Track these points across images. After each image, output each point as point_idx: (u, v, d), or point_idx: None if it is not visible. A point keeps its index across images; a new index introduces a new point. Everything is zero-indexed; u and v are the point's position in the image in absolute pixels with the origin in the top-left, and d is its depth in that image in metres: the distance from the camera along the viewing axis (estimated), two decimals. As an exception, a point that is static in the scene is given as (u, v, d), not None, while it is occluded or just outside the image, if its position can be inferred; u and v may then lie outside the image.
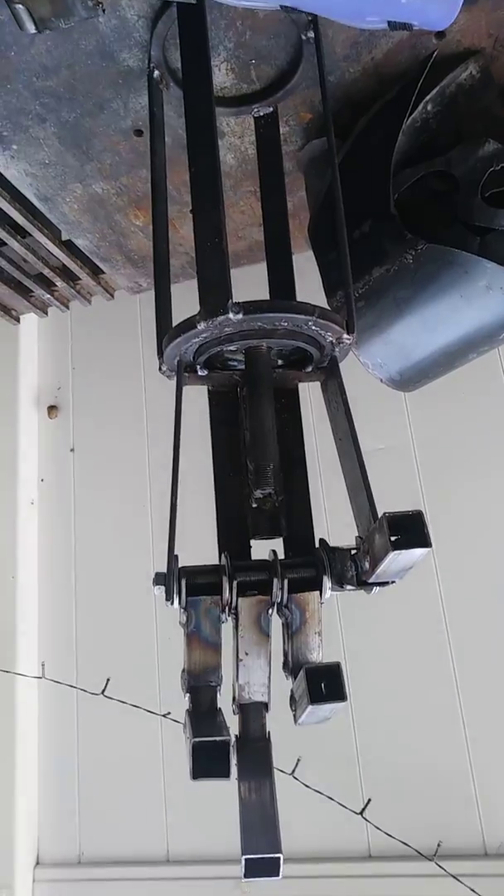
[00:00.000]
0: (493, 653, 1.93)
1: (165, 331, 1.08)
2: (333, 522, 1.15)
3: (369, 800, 1.87)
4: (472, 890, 1.78)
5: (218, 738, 0.81)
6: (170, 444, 2.50)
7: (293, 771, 1.94)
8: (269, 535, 1.04)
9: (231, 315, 0.90)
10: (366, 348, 1.31)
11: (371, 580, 0.85)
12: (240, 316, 0.91)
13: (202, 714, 0.92)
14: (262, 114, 1.33)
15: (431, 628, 2.00)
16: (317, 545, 1.03)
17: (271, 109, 1.32)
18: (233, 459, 1.07)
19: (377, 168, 1.26)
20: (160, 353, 1.06)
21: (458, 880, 1.79)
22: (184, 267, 1.93)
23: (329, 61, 1.25)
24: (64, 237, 1.86)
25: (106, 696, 2.11)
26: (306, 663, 0.97)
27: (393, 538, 0.77)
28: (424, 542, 0.77)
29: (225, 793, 2.28)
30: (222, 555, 0.97)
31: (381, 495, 0.98)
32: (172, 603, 0.92)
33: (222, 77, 1.29)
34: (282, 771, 1.97)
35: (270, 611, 0.95)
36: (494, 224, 1.21)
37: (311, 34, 1.17)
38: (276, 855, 0.82)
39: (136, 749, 2.23)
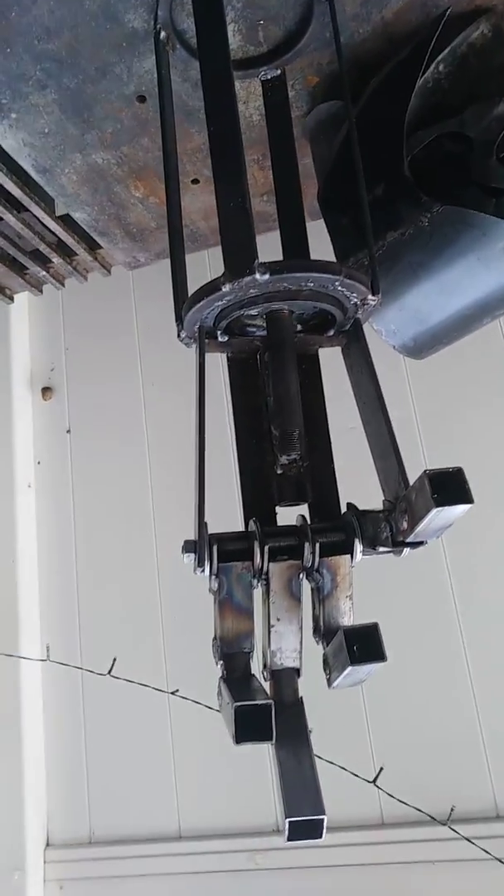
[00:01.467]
0: (501, 616, 1.96)
1: (182, 298, 1.07)
2: (346, 488, 1.14)
3: (381, 768, 1.89)
4: (486, 851, 1.81)
5: (261, 702, 0.80)
6: (171, 418, 2.50)
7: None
8: (295, 500, 1.03)
9: (258, 275, 0.89)
10: (379, 315, 1.30)
11: (409, 539, 0.84)
12: (266, 276, 0.89)
13: (238, 679, 0.92)
14: (269, 77, 1.30)
15: (438, 597, 2.01)
16: (343, 510, 1.03)
17: (279, 72, 1.30)
18: (255, 426, 1.06)
19: (390, 130, 1.24)
20: (178, 319, 1.04)
21: (471, 843, 1.82)
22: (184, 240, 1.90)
23: (339, 21, 1.23)
24: (60, 211, 1.82)
25: (113, 676, 2.10)
26: (337, 627, 0.96)
27: (435, 495, 0.76)
28: (466, 497, 0.76)
29: (235, 767, 2.29)
30: (251, 521, 0.96)
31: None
32: (203, 570, 0.91)
33: (230, 39, 1.25)
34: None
35: (301, 576, 0.95)
36: (510, 185, 1.20)
37: (324, -9, 1.14)
38: (321, 816, 0.82)
39: (144, 727, 2.23)
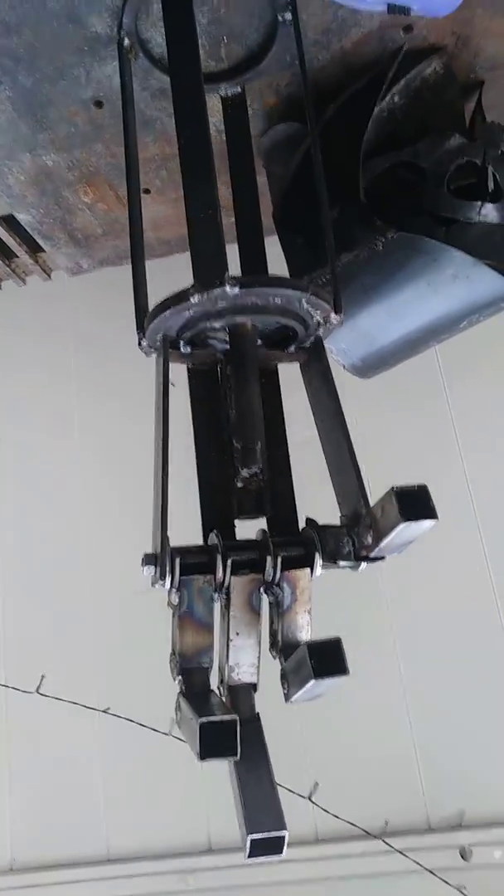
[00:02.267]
0: (434, 634, 2.01)
1: (143, 307, 1.05)
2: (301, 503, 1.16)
3: (316, 783, 1.90)
4: (418, 863, 1.85)
5: (225, 718, 0.79)
6: (103, 426, 2.44)
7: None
8: (255, 514, 1.03)
9: (227, 288, 0.89)
10: (332, 334, 1.33)
11: (373, 554, 0.85)
12: (236, 290, 0.89)
13: (198, 695, 0.91)
14: (229, 94, 1.31)
15: (373, 610, 2.05)
16: (300, 524, 1.04)
17: (239, 90, 1.31)
18: (215, 439, 1.05)
19: (346, 155, 1.27)
20: (140, 328, 1.02)
21: (404, 855, 1.85)
22: (128, 249, 1.88)
23: (294, 49, 1.25)
24: (3, 211, 1.77)
25: (40, 694, 2.03)
26: (296, 642, 0.97)
27: (402, 510, 0.78)
28: (431, 513, 0.79)
29: (165, 786, 2.24)
30: (212, 533, 0.96)
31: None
32: (165, 583, 0.90)
33: (190, 52, 1.26)
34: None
35: (262, 590, 0.95)
36: (459, 216, 1.25)
37: (289, 15, 1.17)
38: (282, 833, 0.81)
39: (71, 747, 2.16)
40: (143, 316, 1.04)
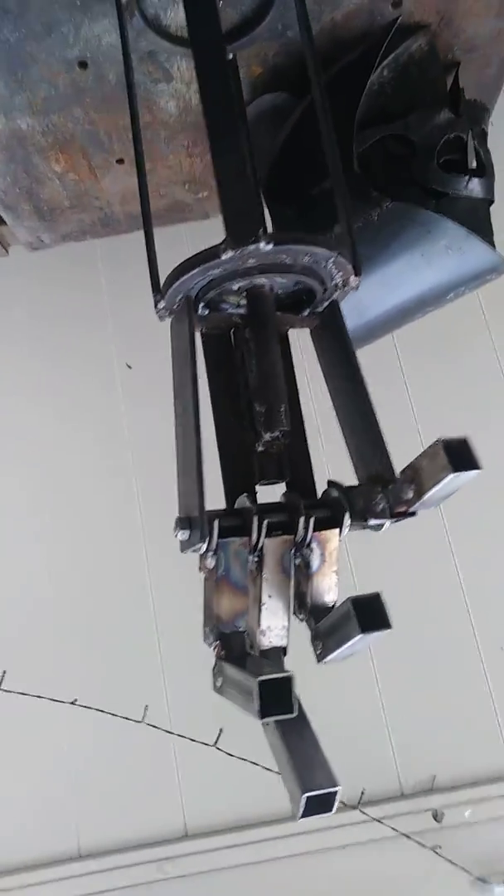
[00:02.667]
0: (400, 603, 2.06)
1: (155, 269, 1.03)
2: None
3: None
4: (394, 828, 1.89)
5: (282, 675, 0.79)
6: (51, 397, 2.34)
7: (216, 742, 1.93)
8: (276, 478, 1.02)
9: (262, 245, 0.88)
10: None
11: (412, 508, 0.87)
12: (270, 247, 0.88)
13: (240, 658, 0.89)
14: (221, 60, 1.29)
15: (341, 580, 2.08)
16: (316, 488, 1.04)
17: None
18: (232, 404, 1.04)
19: (339, 126, 1.28)
20: (157, 290, 1.00)
21: (381, 822, 1.89)
22: (94, 224, 1.83)
23: (290, 15, 1.25)
24: (-38, 181, 1.67)
25: (3, 690, 1.94)
26: (324, 604, 0.97)
27: (451, 461, 0.79)
28: (476, 464, 0.81)
29: (136, 775, 2.20)
30: (242, 497, 0.94)
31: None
32: (201, 547, 0.88)
33: (184, 13, 1.23)
34: (204, 743, 1.95)
35: (292, 551, 0.94)
36: (448, 189, 1.29)
37: (289, -19, 1.16)
38: (336, 788, 0.81)
39: (37, 742, 2.08)
40: (156, 279, 1.01)
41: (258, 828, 2.01)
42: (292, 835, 1.98)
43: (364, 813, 1.92)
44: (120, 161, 1.58)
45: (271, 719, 0.79)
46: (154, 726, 1.99)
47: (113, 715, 1.98)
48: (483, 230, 1.30)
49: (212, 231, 1.19)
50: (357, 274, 1.01)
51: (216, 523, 0.88)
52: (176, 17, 1.23)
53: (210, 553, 0.89)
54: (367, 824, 1.90)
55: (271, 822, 2.01)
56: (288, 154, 1.37)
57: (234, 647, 0.91)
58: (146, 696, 2.00)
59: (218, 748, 1.92)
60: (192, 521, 0.88)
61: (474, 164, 1.29)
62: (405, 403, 2.21)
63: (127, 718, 1.97)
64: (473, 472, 0.81)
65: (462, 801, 1.98)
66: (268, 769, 1.94)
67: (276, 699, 0.78)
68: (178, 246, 1.33)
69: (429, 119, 1.28)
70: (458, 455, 0.80)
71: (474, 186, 1.30)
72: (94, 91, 1.36)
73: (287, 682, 0.79)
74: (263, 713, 0.78)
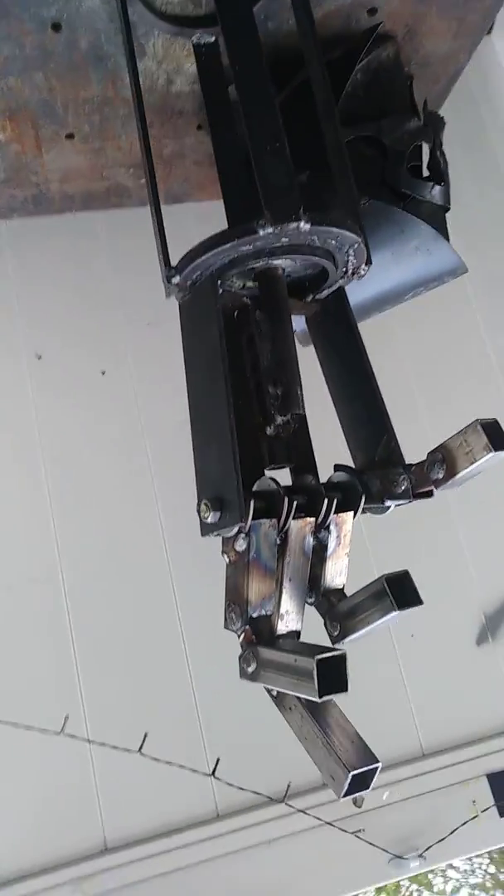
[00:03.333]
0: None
1: (164, 245, 0.99)
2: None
3: (218, 759, 1.89)
4: (318, 818, 1.93)
5: (337, 653, 0.78)
6: None
7: (140, 748, 1.86)
8: (286, 462, 1.02)
9: (302, 223, 0.87)
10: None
11: (442, 487, 0.90)
12: (308, 226, 0.88)
13: (275, 641, 0.88)
14: (202, 42, 1.27)
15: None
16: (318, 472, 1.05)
17: (213, 39, 1.27)
18: (241, 386, 1.02)
19: (313, 123, 1.30)
20: (168, 264, 0.96)
21: (305, 813, 1.92)
22: (25, 201, 1.71)
23: (274, 7, 1.26)
24: None
25: None
26: (335, 586, 0.98)
27: (491, 440, 0.84)
28: (510, 446, 0.85)
29: (47, 791, 2.07)
30: (264, 479, 0.93)
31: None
32: (233, 529, 0.86)
33: (173, -12, 1.20)
34: (128, 750, 1.88)
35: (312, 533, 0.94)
36: (416, 192, 1.35)
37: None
38: (377, 765, 0.82)
39: None
40: (166, 253, 0.97)
41: (182, 832, 1.96)
42: (218, 836, 1.95)
43: (290, 805, 1.93)
44: (70, 136, 1.50)
45: (329, 697, 0.78)
46: (74, 736, 1.88)
47: (28, 728, 1.85)
48: (442, 233, 1.38)
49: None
50: (368, 263, 1.03)
51: (252, 503, 0.86)
52: (164, -10, 1.20)
53: (242, 535, 0.87)
54: (292, 816, 1.92)
55: (196, 824, 1.97)
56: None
57: (264, 631, 0.89)
58: (63, 705, 1.89)
59: (143, 754, 1.86)
60: (227, 502, 0.86)
61: (441, 171, 1.36)
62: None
63: (45, 730, 1.85)
64: (505, 454, 0.85)
65: (379, 784, 2.05)
66: (194, 770, 1.91)
67: (334, 677, 0.77)
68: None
69: (400, 125, 1.34)
70: (496, 434, 0.85)
71: (436, 193, 1.37)
72: (61, 57, 1.28)
73: (342, 660, 0.78)
74: (322, 692, 0.77)
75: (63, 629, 2.01)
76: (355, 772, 0.80)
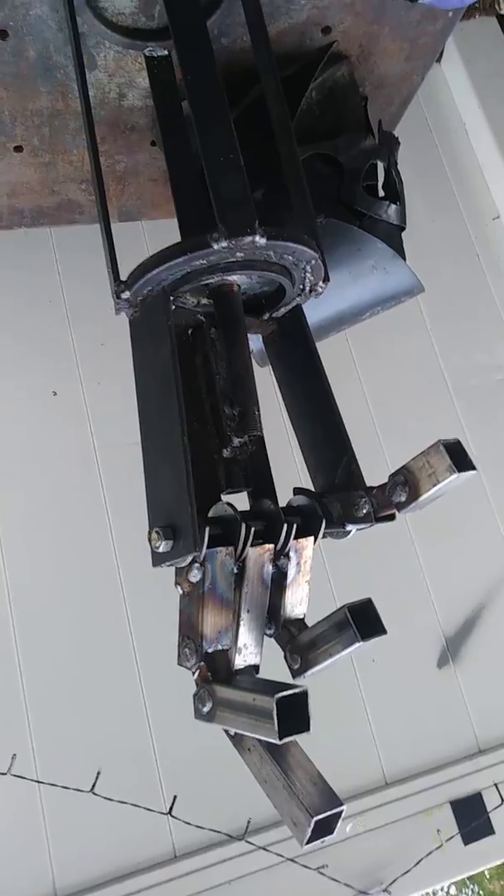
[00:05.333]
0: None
1: (114, 259, 0.94)
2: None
3: (175, 797, 1.81)
4: (280, 854, 1.86)
5: (298, 691, 0.73)
6: None
7: (93, 787, 1.77)
8: (244, 486, 0.98)
9: (257, 237, 0.84)
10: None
11: (405, 511, 0.87)
12: (264, 241, 0.85)
13: (231, 678, 0.82)
14: (155, 55, 1.24)
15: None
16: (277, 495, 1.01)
17: (166, 52, 1.24)
18: (195, 408, 0.98)
19: (267, 140, 1.28)
20: (117, 279, 0.91)
21: (267, 850, 1.85)
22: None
23: (228, 21, 1.24)
24: None
25: None
26: (296, 615, 0.94)
27: (454, 462, 0.81)
28: (472, 465, 0.83)
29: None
30: (220, 504, 0.88)
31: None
32: (187, 559, 0.80)
33: (125, 2, 1.17)
34: (79, 790, 1.79)
35: (270, 562, 0.90)
36: (372, 212, 1.34)
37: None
38: (341, 808, 0.77)
39: None
40: (116, 267, 0.93)
41: (137, 875, 1.86)
42: (176, 878, 1.87)
43: (250, 843, 1.86)
44: (18, 148, 1.45)
45: (290, 739, 0.73)
46: (21, 777, 1.78)
47: (-28, 769, 1.74)
48: (400, 254, 1.37)
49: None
50: (326, 280, 1.00)
51: (207, 531, 0.81)
52: (114, 1, 1.16)
53: (196, 565, 0.82)
54: (253, 854, 1.85)
55: (152, 866, 1.88)
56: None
57: (221, 667, 0.84)
58: (10, 743, 1.80)
59: (95, 793, 1.77)
60: (180, 530, 0.80)
61: (396, 190, 1.35)
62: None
63: (-7, 772, 1.74)
64: (471, 473, 0.83)
65: (344, 816, 2.00)
66: (150, 810, 1.83)
67: (295, 717, 0.72)
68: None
69: (356, 143, 1.33)
70: (458, 456, 0.82)
71: (392, 212, 1.36)
72: (8, 66, 1.23)
73: (304, 698, 0.73)
74: (283, 732, 0.71)
75: (10, 662, 1.91)
76: (319, 817, 0.75)
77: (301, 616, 0.94)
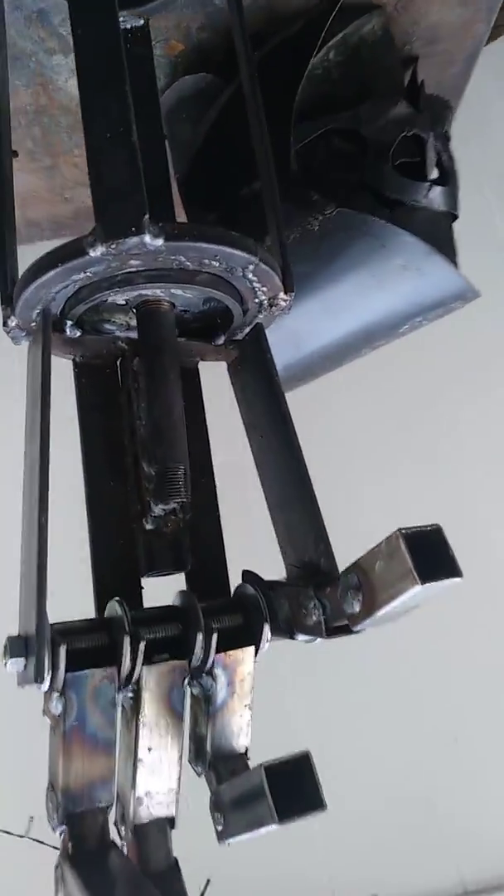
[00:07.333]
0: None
1: (12, 275, 0.74)
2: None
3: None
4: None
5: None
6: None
7: (27, 832, 1.60)
8: (171, 568, 0.73)
9: (148, 238, 0.60)
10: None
11: (359, 627, 0.59)
12: (159, 242, 0.61)
13: (90, 858, 0.59)
14: (129, 26, 1.03)
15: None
16: (232, 580, 0.76)
17: (142, 22, 1.03)
18: (112, 461, 0.75)
19: (273, 116, 1.03)
20: (6, 300, 0.71)
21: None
22: None
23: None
24: None
25: None
26: (232, 751, 0.68)
27: (418, 565, 0.52)
28: (454, 569, 0.54)
29: None
30: (111, 602, 0.65)
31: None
32: (43, 685, 0.58)
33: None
34: (9, 833, 1.63)
35: (185, 681, 0.65)
36: (406, 197, 1.04)
37: None
38: None
39: None
40: (11, 286, 0.72)
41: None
42: None
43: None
44: (14, 153, 1.29)
45: None
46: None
47: None
48: (445, 248, 1.06)
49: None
50: (287, 291, 0.74)
51: (62, 649, 0.58)
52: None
53: (56, 693, 0.59)
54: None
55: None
56: (212, 147, 1.12)
57: (89, 835, 0.60)
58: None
59: (31, 838, 1.59)
60: (31, 645, 0.58)
61: (435, 170, 1.05)
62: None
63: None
64: (449, 581, 0.53)
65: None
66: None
67: None
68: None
69: (383, 111, 1.04)
70: (427, 554, 0.53)
71: (435, 196, 1.06)
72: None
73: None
74: None
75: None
76: None
77: (242, 750, 0.69)
